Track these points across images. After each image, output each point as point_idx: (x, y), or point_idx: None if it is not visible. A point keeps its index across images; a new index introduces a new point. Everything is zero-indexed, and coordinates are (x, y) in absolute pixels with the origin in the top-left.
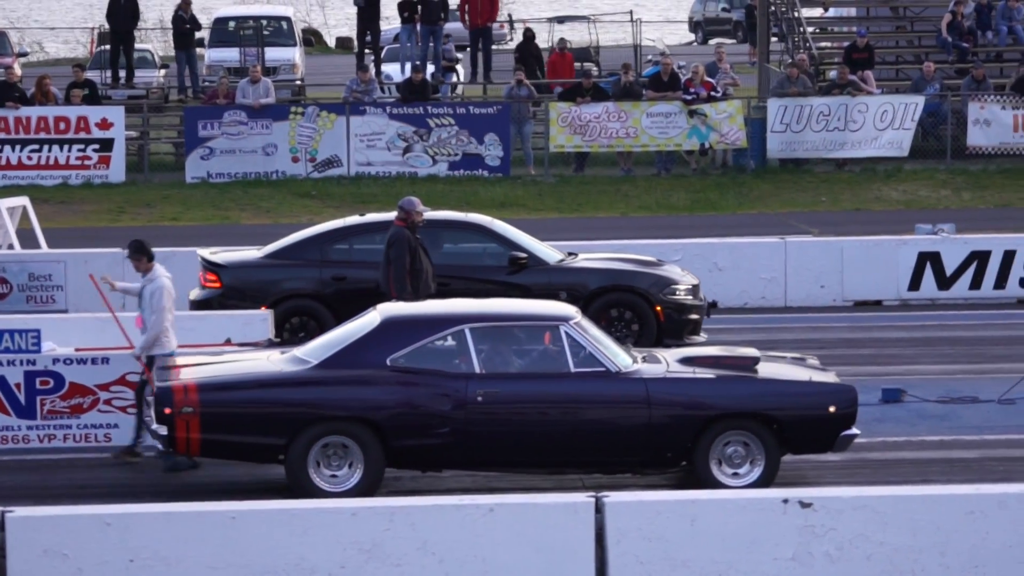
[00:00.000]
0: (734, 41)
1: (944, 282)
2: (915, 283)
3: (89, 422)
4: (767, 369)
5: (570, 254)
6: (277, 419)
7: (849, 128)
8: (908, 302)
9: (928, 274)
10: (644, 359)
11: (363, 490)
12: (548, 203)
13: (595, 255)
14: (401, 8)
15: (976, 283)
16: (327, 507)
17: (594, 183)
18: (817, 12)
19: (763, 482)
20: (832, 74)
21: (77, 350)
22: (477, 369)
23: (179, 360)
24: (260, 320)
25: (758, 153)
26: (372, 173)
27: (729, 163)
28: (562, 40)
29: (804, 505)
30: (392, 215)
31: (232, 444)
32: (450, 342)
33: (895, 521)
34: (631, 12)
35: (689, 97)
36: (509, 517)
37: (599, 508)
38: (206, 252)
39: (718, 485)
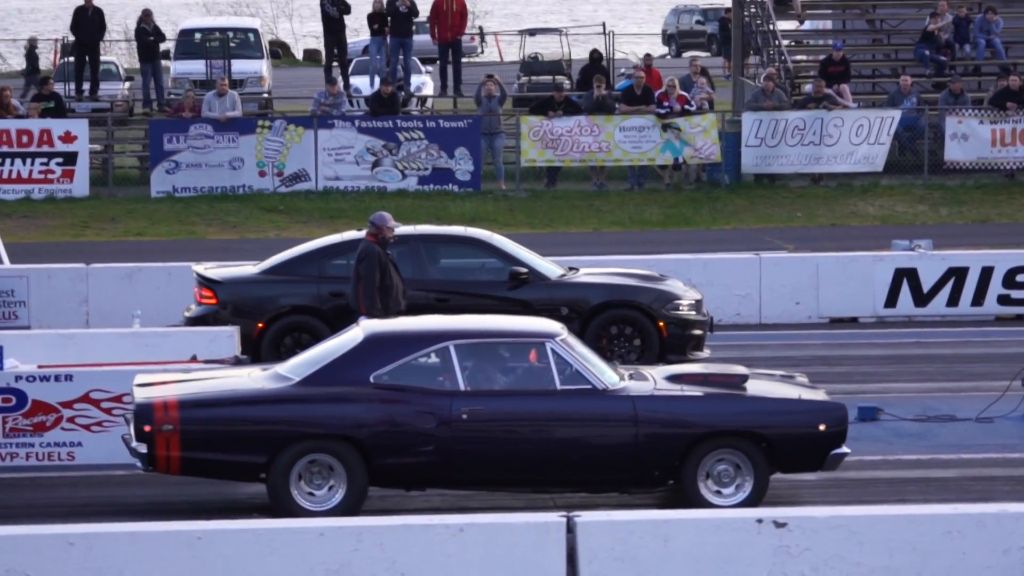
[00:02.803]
0: (708, 54)
1: (921, 299)
2: (892, 300)
3: (52, 440)
4: (756, 387)
5: (571, 269)
6: (258, 437)
7: (825, 142)
8: (884, 319)
9: (905, 291)
10: (631, 376)
11: (346, 509)
12: (519, 218)
13: (596, 270)
14: (371, 20)
15: (954, 300)
16: (294, 527)
17: (566, 198)
18: (792, 25)
19: (752, 501)
20: (808, 88)
21: (40, 367)
22: (462, 386)
23: (159, 376)
24: (226, 337)
25: (732, 168)
26: (340, 188)
27: (703, 178)
28: (647, 56)
29: (779, 525)
30: (400, 228)
31: (213, 462)
32: (434, 359)
33: (871, 541)
34: (604, 24)
35: (663, 111)
36: (479, 537)
37: (571, 528)
38: (201, 268)
39: (706, 504)
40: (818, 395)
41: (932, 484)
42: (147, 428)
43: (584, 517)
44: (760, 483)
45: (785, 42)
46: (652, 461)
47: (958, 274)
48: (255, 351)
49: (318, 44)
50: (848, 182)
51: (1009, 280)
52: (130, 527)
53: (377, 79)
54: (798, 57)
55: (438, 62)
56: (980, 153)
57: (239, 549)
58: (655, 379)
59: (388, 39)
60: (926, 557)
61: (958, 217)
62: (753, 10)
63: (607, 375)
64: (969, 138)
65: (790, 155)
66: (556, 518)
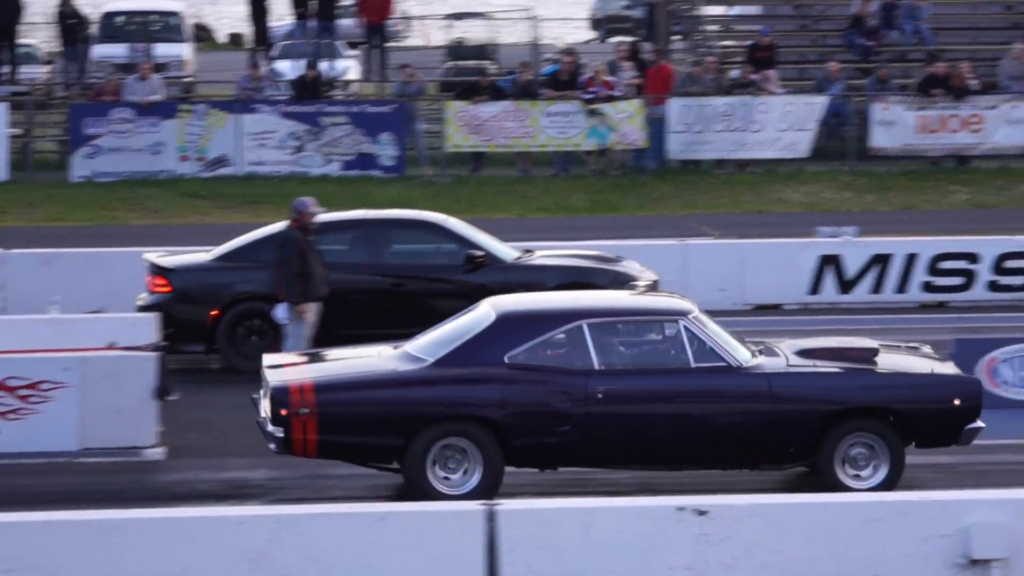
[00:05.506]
0: (636, 39)
1: (845, 286)
2: (816, 287)
3: None
4: (887, 360)
5: (526, 251)
6: (396, 419)
7: (751, 129)
8: (809, 306)
9: (829, 277)
10: (761, 352)
11: (483, 491)
12: (444, 204)
13: (552, 252)
14: (295, 3)
15: (878, 287)
16: (212, 515)
17: (491, 183)
18: (720, 10)
19: (889, 481)
20: (734, 73)
21: None
22: (596, 365)
23: (284, 357)
24: (145, 323)
25: (658, 154)
26: (263, 173)
27: (629, 164)
28: (654, 52)
29: (700, 513)
30: (352, 214)
31: (349, 445)
32: (568, 338)
33: (792, 529)
34: (529, 9)
35: (589, 96)
36: (399, 525)
37: (491, 517)
38: (153, 255)
39: (840, 485)
40: (949, 368)
41: None
42: (283, 412)
43: (505, 506)
44: (897, 460)
45: (712, 27)
46: (787, 438)
47: (882, 261)
48: (209, 339)
49: (242, 28)
50: (774, 168)
51: (933, 267)
52: (44, 516)
53: (301, 63)
54: (725, 43)
55: (363, 46)
56: (906, 139)
57: (155, 538)
58: (786, 355)
59: (312, 22)
60: (847, 545)
61: (883, 204)
62: None
63: (740, 352)
64: (895, 125)
65: (716, 141)
66: (476, 507)
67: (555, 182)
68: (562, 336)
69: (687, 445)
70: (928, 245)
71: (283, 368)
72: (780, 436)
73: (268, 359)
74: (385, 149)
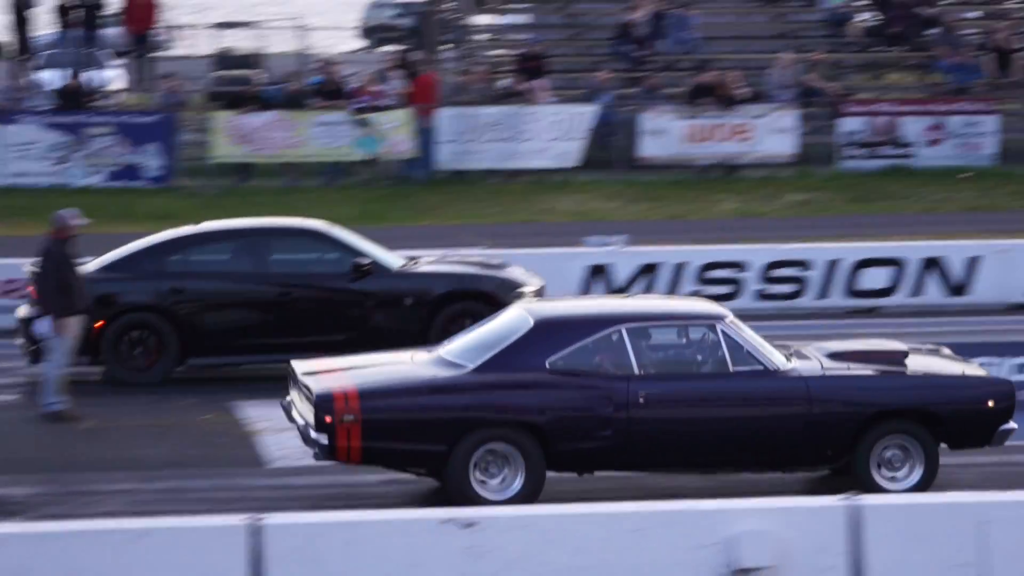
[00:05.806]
0: (407, 48)
1: (613, 295)
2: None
3: None
4: (917, 363)
5: (411, 259)
6: (440, 425)
7: (520, 138)
8: None
9: (598, 287)
10: (793, 355)
11: (525, 496)
12: (209, 216)
13: (437, 259)
14: (59, 12)
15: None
16: None
17: (259, 194)
18: (490, 19)
19: (924, 482)
20: (504, 83)
21: None
22: (636, 370)
23: (317, 363)
24: None
25: (427, 163)
26: (25, 184)
27: (398, 174)
28: (424, 61)
29: (467, 525)
30: (235, 223)
31: (393, 451)
32: (607, 343)
33: (560, 540)
34: (298, 18)
35: (357, 106)
36: (162, 541)
37: (256, 531)
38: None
39: (877, 487)
40: (978, 370)
41: (623, 484)
42: (328, 419)
43: (270, 519)
44: (932, 461)
45: (482, 36)
46: (826, 440)
47: (651, 270)
48: (94, 350)
49: (4, 37)
50: (543, 178)
51: (702, 276)
52: None
53: (65, 73)
54: (496, 52)
55: (129, 55)
56: (675, 149)
57: None
58: (819, 358)
59: (76, 31)
60: (615, 555)
61: (653, 213)
62: (453, 3)
63: (776, 355)
64: (664, 134)
65: (486, 151)
66: (240, 521)
67: (323, 193)
68: (602, 340)
69: (727, 448)
70: (696, 254)
71: (321, 375)
72: (818, 438)
73: (301, 366)
74: (151, 160)
